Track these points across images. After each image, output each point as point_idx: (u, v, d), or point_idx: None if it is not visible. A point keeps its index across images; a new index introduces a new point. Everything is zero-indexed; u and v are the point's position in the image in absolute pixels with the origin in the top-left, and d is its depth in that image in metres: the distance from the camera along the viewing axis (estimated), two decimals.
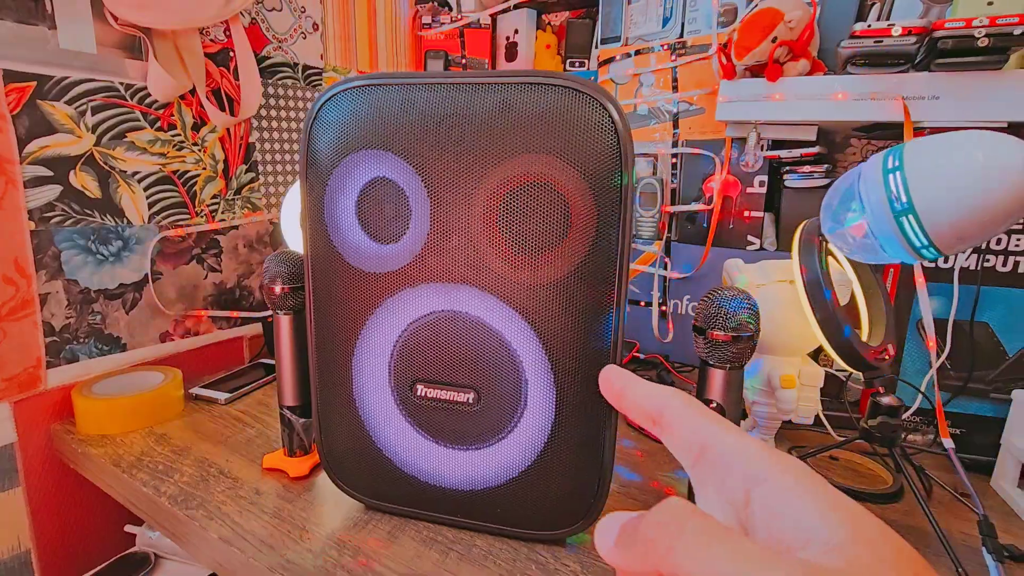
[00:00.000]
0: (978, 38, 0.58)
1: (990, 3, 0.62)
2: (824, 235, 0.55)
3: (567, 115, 0.42)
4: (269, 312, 0.59)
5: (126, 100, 0.75)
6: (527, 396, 0.47)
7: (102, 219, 0.74)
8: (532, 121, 0.42)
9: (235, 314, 0.91)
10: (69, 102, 0.69)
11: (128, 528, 0.75)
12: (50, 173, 0.68)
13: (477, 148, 0.43)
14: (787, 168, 0.84)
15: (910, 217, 0.36)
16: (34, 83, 0.66)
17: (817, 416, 0.67)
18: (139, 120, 0.76)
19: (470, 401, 0.48)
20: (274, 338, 0.60)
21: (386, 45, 1.13)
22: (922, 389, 0.67)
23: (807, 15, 0.70)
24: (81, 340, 0.74)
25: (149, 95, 0.76)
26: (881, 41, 0.61)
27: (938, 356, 0.67)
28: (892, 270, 0.70)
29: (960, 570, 0.47)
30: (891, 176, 0.37)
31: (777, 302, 0.62)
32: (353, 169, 0.46)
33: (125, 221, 0.77)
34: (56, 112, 0.68)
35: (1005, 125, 0.61)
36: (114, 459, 0.64)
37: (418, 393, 0.49)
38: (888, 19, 0.77)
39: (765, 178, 0.87)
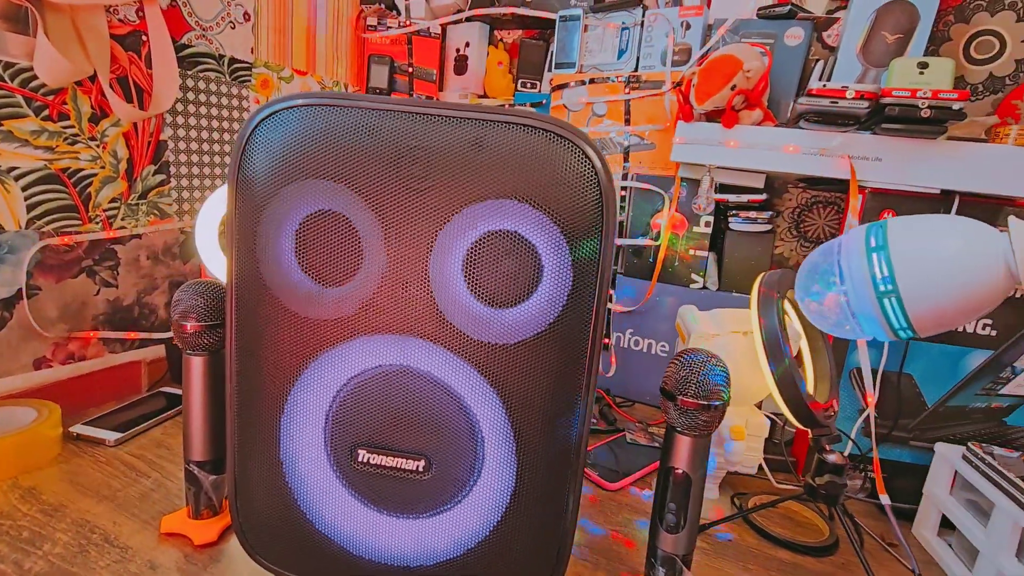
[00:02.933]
0: (921, 108, 0.61)
1: (921, 72, 0.66)
2: (782, 295, 0.55)
3: (547, 161, 0.38)
4: (177, 343, 0.50)
5: (4, 81, 0.62)
6: (483, 461, 0.43)
7: None
8: (507, 163, 0.38)
9: (133, 335, 0.79)
10: None
11: None
12: None
13: (444, 188, 0.39)
14: (732, 211, 0.85)
15: (893, 299, 0.35)
16: None
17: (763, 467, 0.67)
18: (21, 106, 0.64)
19: (419, 469, 0.43)
20: (183, 382, 0.51)
21: (326, 43, 1.04)
22: (852, 436, 0.70)
23: (763, 66, 0.72)
24: None
25: (36, 77, 0.64)
26: (836, 102, 0.63)
27: (870, 406, 0.70)
28: None
29: None
30: (874, 256, 0.36)
31: (730, 353, 0.61)
32: (295, 199, 0.40)
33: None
34: None
35: (938, 191, 0.65)
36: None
37: (359, 459, 0.43)
38: (830, 78, 0.81)
39: (711, 219, 0.89)
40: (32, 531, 0.51)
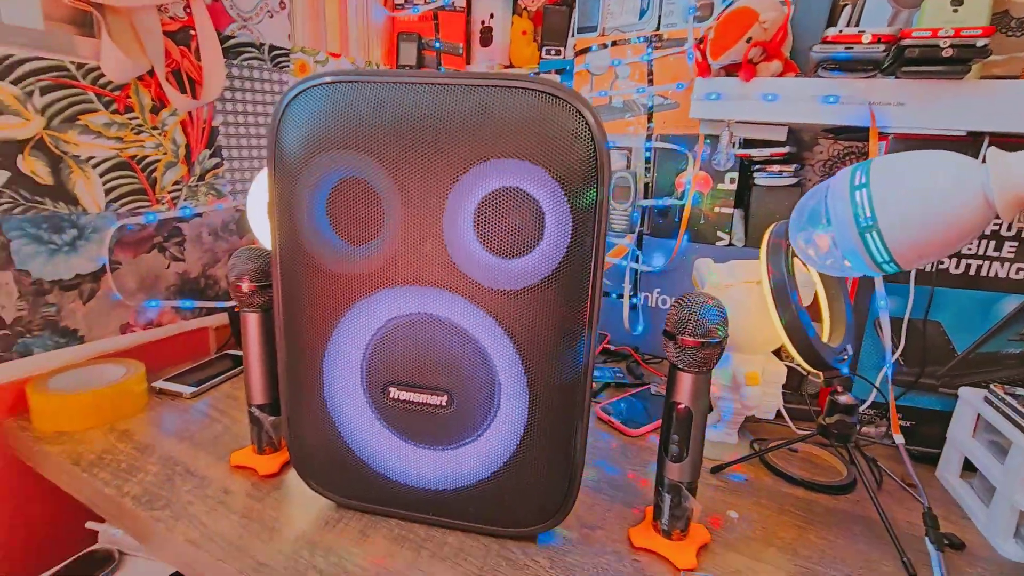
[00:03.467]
0: (943, 48, 0.59)
1: (955, 10, 0.64)
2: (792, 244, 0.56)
3: (544, 121, 0.42)
4: (235, 302, 0.57)
5: (78, 80, 0.71)
6: (499, 396, 0.48)
7: (54, 206, 0.70)
8: (508, 125, 0.42)
9: (200, 304, 0.88)
10: (15, 82, 0.65)
11: (90, 525, 0.73)
12: None
13: (452, 151, 0.43)
14: (757, 166, 0.85)
15: (874, 233, 0.37)
16: None
17: (778, 410, 0.69)
18: (93, 102, 0.72)
19: (443, 404, 0.48)
20: (241, 336, 0.58)
21: (357, 26, 1.09)
22: (876, 384, 0.70)
23: (781, 16, 0.71)
24: (35, 333, 0.70)
25: (103, 75, 0.72)
26: (852, 48, 0.62)
27: (892, 353, 0.70)
28: None
29: (905, 559, 0.50)
30: (858, 193, 0.38)
31: (744, 302, 0.63)
32: (324, 169, 0.45)
33: (80, 209, 0.73)
34: (3, 93, 0.64)
35: (964, 133, 0.63)
36: (73, 457, 0.62)
37: (391, 396, 0.49)
38: (859, 23, 0.79)
39: (736, 175, 0.89)
40: (129, 463, 0.61)
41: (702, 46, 0.78)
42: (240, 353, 0.88)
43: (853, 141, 0.89)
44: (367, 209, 0.46)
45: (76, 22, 0.70)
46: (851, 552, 0.53)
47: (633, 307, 1.00)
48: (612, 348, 0.99)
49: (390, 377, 0.49)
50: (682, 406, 0.48)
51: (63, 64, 0.69)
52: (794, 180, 0.84)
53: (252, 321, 0.57)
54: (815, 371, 0.58)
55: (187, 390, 0.76)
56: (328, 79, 0.45)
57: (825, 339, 0.63)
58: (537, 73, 1.10)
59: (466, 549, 0.50)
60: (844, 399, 0.57)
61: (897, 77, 0.65)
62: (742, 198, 0.91)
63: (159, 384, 0.77)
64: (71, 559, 0.70)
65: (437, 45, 1.14)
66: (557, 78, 1.07)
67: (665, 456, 0.50)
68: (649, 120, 0.98)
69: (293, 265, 0.49)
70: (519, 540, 0.52)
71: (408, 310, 0.47)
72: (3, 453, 0.68)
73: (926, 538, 0.52)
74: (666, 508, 0.50)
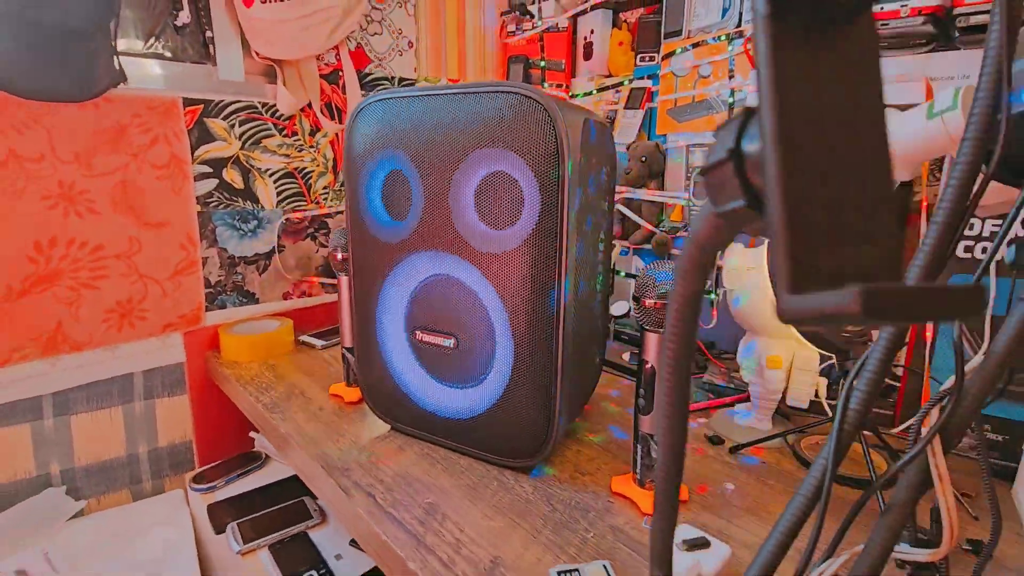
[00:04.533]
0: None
1: None
2: None
3: (517, 117, 0.52)
4: (334, 269, 0.77)
5: (262, 114, 0.99)
6: (496, 349, 0.59)
7: (243, 204, 1.00)
8: (494, 123, 0.53)
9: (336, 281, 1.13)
10: (224, 118, 0.95)
11: (251, 434, 1.01)
12: (210, 170, 0.95)
13: (456, 145, 0.56)
14: None
15: None
16: (201, 106, 0.92)
17: (820, 403, 0.68)
18: (271, 129, 1.01)
19: (451, 346, 0.61)
20: (338, 294, 0.78)
21: (474, 54, 1.28)
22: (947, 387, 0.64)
23: None
24: (228, 293, 1.00)
25: (278, 110, 1.00)
26: (887, 24, 0.59)
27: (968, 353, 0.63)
28: None
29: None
30: None
31: (763, 286, 0.64)
32: (377, 163, 0.61)
33: (259, 206, 1.02)
34: (215, 126, 0.94)
35: None
36: (239, 378, 0.88)
37: (417, 337, 0.63)
38: None
39: None
40: (268, 385, 0.85)
41: None
42: None
43: None
44: (403, 192, 0.61)
45: (263, 73, 0.99)
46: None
47: (711, 304, 1.01)
48: None
49: (417, 324, 0.63)
50: (649, 364, 0.53)
51: (253, 104, 0.98)
52: None
53: (343, 282, 0.76)
54: (820, 349, 0.57)
55: (319, 343, 1.00)
56: (378, 97, 0.61)
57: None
58: (631, 79, 1.17)
59: (471, 470, 0.62)
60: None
61: (959, 49, 0.60)
62: None
63: (302, 337, 1.03)
64: (236, 455, 0.97)
65: (542, 64, 1.27)
66: (666, 83, 1.12)
67: (638, 410, 0.55)
68: (730, 116, 0.98)
69: (357, 237, 0.66)
70: (516, 471, 0.62)
71: (432, 271, 0.61)
72: (204, 374, 0.98)
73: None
74: (638, 458, 0.56)
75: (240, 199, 0.99)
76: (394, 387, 0.67)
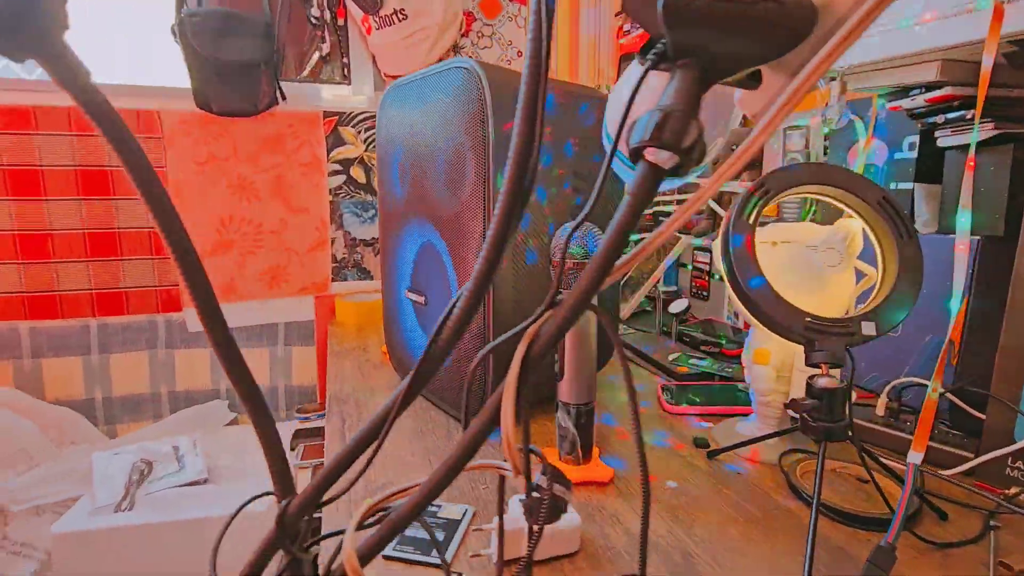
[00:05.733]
0: None
1: None
2: (763, 183, 0.49)
3: (463, 90, 0.57)
4: None
5: None
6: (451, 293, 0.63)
7: (365, 196, 1.21)
8: (447, 97, 0.59)
9: None
10: (353, 126, 1.18)
11: None
12: (340, 168, 1.19)
13: (429, 126, 0.63)
14: (935, 124, 0.64)
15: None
16: (336, 117, 1.16)
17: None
18: None
19: (423, 302, 0.67)
20: None
21: (586, 57, 1.32)
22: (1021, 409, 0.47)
23: None
24: (349, 269, 1.23)
25: None
26: None
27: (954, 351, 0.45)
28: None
29: None
30: None
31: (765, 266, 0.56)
32: (390, 148, 0.72)
33: (376, 198, 1.22)
34: (346, 132, 1.18)
35: None
36: (334, 335, 1.07)
37: (408, 295, 0.71)
38: None
39: (916, 139, 0.68)
40: (357, 345, 1.02)
41: None
42: None
43: None
44: (403, 169, 0.70)
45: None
46: (748, 555, 0.43)
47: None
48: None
49: (411, 284, 0.71)
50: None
51: (375, 113, 1.19)
52: (994, 133, 0.60)
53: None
54: (778, 334, 0.47)
55: None
56: (391, 89, 0.72)
57: (843, 313, 0.47)
58: None
59: (439, 423, 0.67)
60: (824, 382, 0.45)
61: None
62: (932, 169, 0.69)
63: None
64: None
65: None
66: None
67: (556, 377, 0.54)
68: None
69: (382, 207, 0.77)
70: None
71: (417, 235, 0.69)
72: (326, 331, 1.22)
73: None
74: (557, 427, 0.54)
75: (362, 192, 1.21)
76: (404, 341, 0.76)
